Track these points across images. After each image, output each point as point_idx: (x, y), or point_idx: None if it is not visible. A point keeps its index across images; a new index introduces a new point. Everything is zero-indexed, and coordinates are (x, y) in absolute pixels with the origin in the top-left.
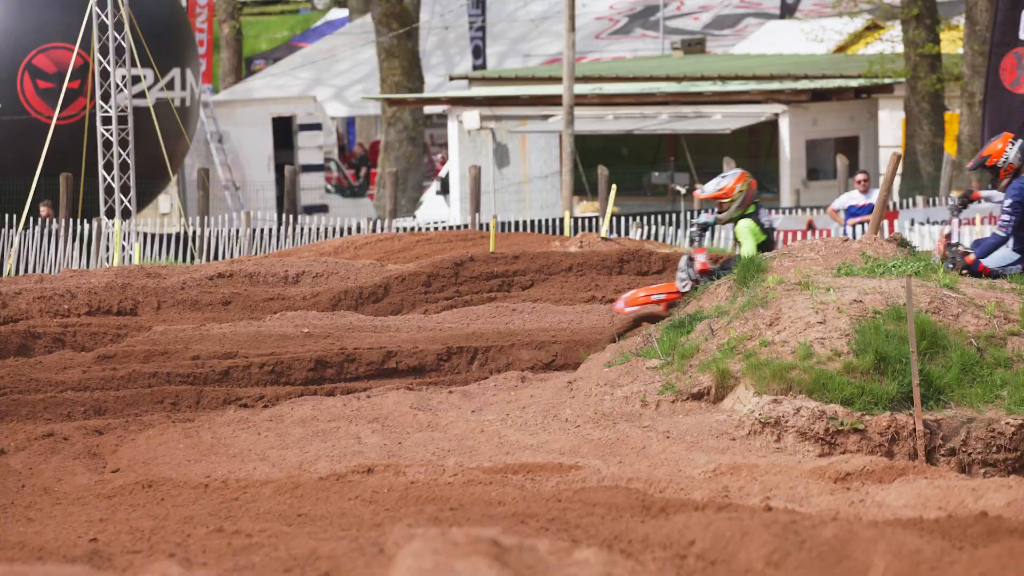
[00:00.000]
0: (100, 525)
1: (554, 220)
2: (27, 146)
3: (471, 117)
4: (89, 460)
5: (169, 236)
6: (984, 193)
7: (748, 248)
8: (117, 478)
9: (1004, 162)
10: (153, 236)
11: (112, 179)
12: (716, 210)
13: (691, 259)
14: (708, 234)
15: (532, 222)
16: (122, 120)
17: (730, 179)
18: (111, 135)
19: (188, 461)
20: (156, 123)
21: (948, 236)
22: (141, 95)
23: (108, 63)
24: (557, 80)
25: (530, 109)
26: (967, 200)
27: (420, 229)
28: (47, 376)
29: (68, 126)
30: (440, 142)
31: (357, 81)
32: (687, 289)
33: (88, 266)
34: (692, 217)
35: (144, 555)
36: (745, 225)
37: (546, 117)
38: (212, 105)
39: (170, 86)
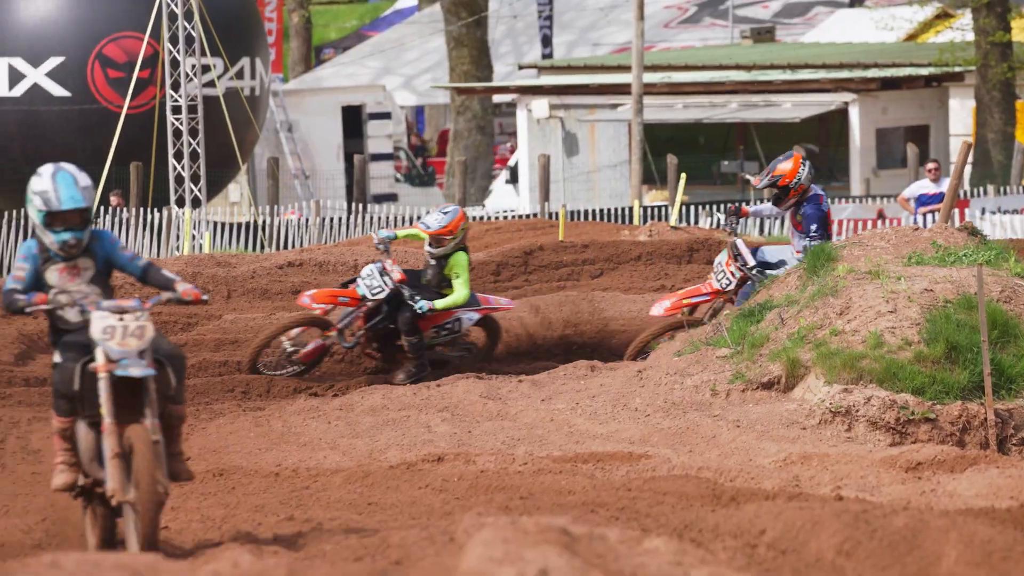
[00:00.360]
0: (171, 513)
1: (623, 209)
2: (97, 135)
3: (540, 106)
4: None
5: (239, 225)
6: (752, 208)
7: (461, 283)
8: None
9: (796, 183)
10: (223, 225)
11: (182, 168)
12: (437, 244)
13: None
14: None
15: (601, 211)
16: (192, 109)
17: (451, 216)
18: (181, 124)
19: (259, 450)
20: (226, 112)
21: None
22: (211, 84)
23: (178, 52)
24: (626, 69)
25: (599, 98)
26: (737, 216)
27: (489, 218)
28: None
29: (138, 115)
30: (509, 131)
31: (426, 70)
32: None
33: (158, 255)
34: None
35: (215, 543)
36: (462, 260)
37: (615, 106)
38: (282, 94)
39: (240, 75)
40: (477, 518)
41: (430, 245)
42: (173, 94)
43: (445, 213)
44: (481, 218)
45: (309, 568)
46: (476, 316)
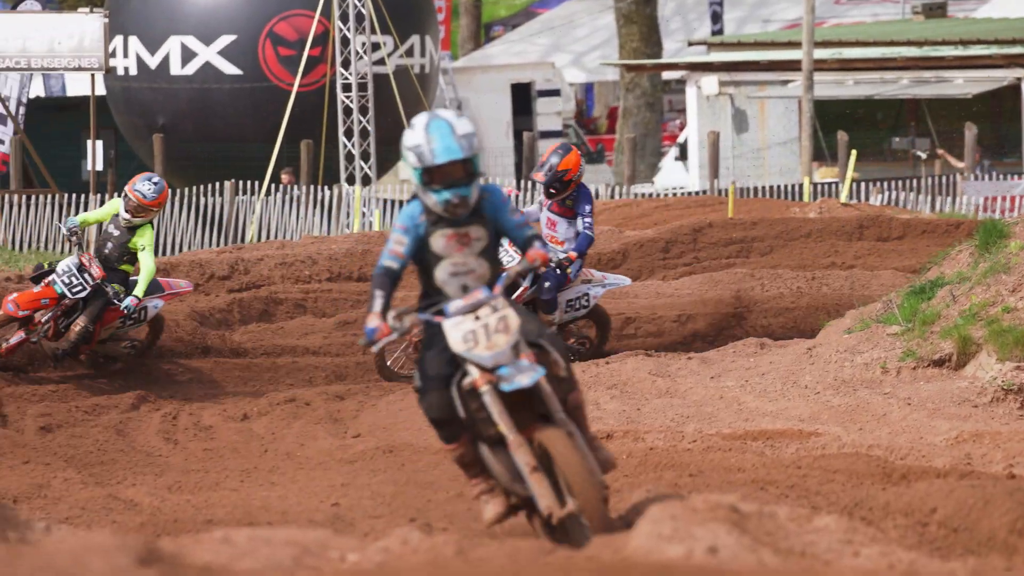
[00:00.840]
0: (342, 490)
1: (793, 186)
2: (268, 113)
3: (710, 83)
4: (331, 425)
5: (409, 201)
6: (528, 209)
7: (149, 255)
8: (358, 443)
9: (579, 175)
10: (393, 202)
11: (352, 146)
12: None
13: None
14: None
15: (771, 188)
16: (362, 87)
17: (162, 186)
18: (351, 102)
19: (428, 427)
20: (396, 90)
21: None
22: (381, 62)
23: (348, 30)
24: (796, 45)
25: (769, 74)
26: None
27: (658, 195)
28: (289, 342)
29: (309, 93)
30: (678, 108)
31: (595, 47)
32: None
33: (328, 232)
34: (931, 182)
35: (385, 520)
36: (151, 232)
37: (785, 82)
38: (451, 72)
39: (409, 53)
40: (646, 495)
41: (132, 213)
42: (343, 72)
43: (155, 182)
44: (650, 195)
45: (478, 545)
46: (161, 303)
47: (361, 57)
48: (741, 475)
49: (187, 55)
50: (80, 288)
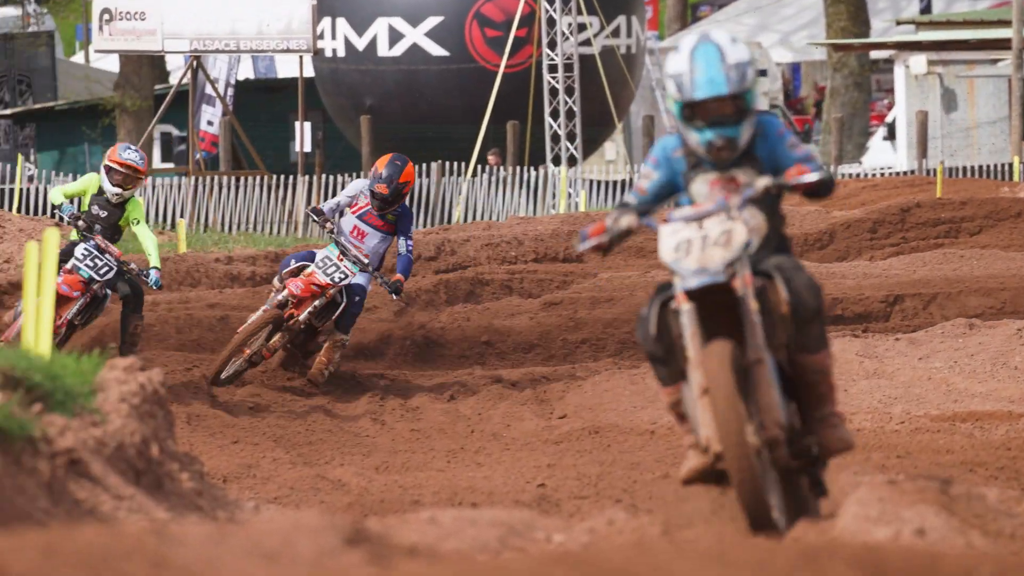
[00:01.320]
0: (548, 471)
1: (1003, 165)
2: (474, 94)
3: (918, 62)
4: (536, 406)
5: (614, 183)
6: (330, 202)
7: (148, 228)
8: (564, 424)
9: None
10: (599, 183)
11: (558, 127)
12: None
13: None
14: None
15: (980, 168)
16: (568, 68)
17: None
18: (557, 83)
19: (634, 407)
20: (602, 71)
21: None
22: (587, 43)
23: (555, 11)
24: (1006, 24)
25: (978, 53)
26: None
27: (866, 175)
28: (495, 322)
29: (515, 74)
30: (886, 87)
31: (803, 26)
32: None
33: (534, 213)
34: None
35: (591, 501)
36: (141, 203)
37: (995, 61)
38: (658, 52)
39: (616, 33)
40: (853, 477)
41: (122, 186)
42: (550, 53)
43: (137, 149)
44: (857, 175)
45: (684, 526)
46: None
47: (567, 38)
48: (949, 457)
49: (394, 36)
50: (107, 269)
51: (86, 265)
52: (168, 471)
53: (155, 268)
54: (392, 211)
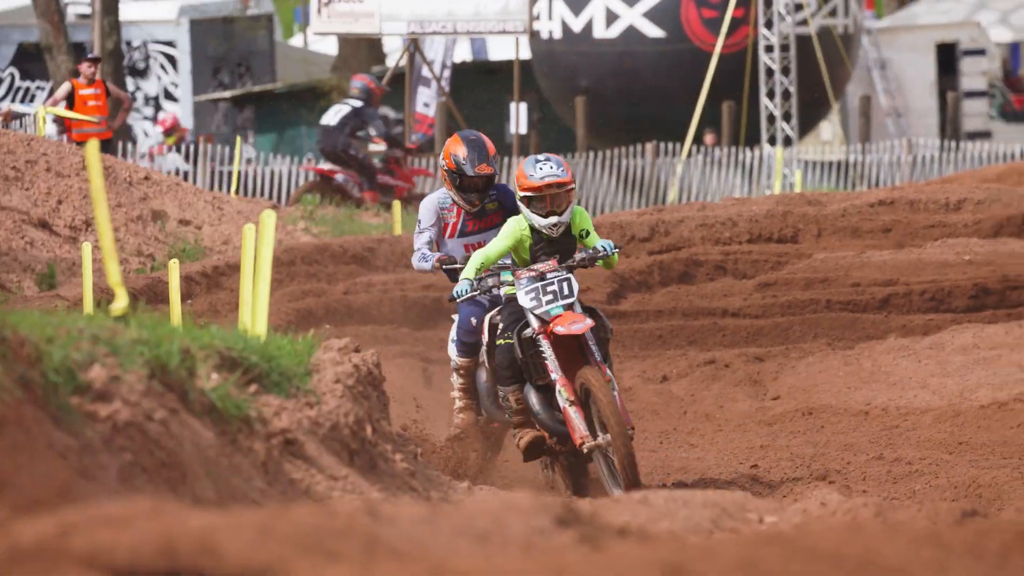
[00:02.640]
0: (760, 451)
1: None
2: (690, 75)
3: None
4: (750, 387)
5: (830, 163)
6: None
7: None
8: (777, 405)
9: None
10: (814, 163)
11: (774, 107)
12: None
13: None
14: None
15: None
16: (784, 48)
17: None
18: (773, 63)
19: (847, 388)
20: (818, 51)
21: None
22: (804, 23)
23: None
24: None
25: None
26: None
27: None
28: (709, 303)
29: (731, 55)
30: None
31: (1023, 5)
32: None
33: (750, 194)
34: None
35: (804, 482)
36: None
37: None
38: (875, 32)
39: (833, 13)
40: None
41: (552, 212)
42: (766, 33)
43: (549, 157)
44: None
45: (898, 508)
46: None
47: (784, 18)
48: None
49: (611, 17)
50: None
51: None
52: (382, 452)
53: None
54: (490, 196)
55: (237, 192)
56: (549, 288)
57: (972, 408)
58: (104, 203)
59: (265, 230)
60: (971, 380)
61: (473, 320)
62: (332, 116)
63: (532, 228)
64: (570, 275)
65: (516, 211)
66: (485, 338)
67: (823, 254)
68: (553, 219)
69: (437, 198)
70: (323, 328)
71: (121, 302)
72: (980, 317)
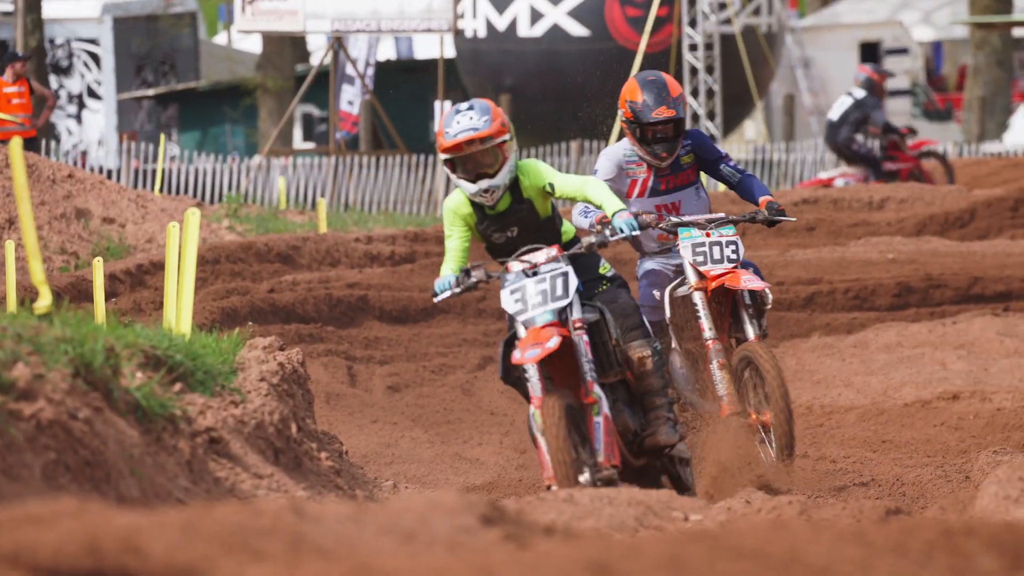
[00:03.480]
0: None
1: None
2: (614, 74)
3: None
4: None
5: (755, 162)
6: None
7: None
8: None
9: None
10: (738, 162)
11: (698, 106)
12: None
13: None
14: None
15: None
16: (708, 47)
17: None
18: (698, 62)
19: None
20: (742, 49)
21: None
22: (727, 22)
23: None
24: None
25: None
26: None
27: (1008, 154)
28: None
29: (655, 54)
30: None
31: (945, 4)
32: None
33: None
34: None
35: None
36: None
37: None
38: (799, 31)
39: (756, 12)
40: (993, 456)
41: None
42: (690, 32)
43: (468, 108)
44: (999, 154)
45: (821, 506)
46: None
47: (707, 17)
48: None
49: (535, 16)
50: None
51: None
52: (307, 450)
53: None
54: (683, 146)
55: (161, 190)
56: (538, 287)
57: (896, 406)
58: (28, 201)
59: (190, 228)
60: (895, 378)
61: (656, 294)
62: (835, 110)
63: (472, 201)
64: (568, 268)
65: (716, 164)
66: (667, 313)
67: (747, 253)
68: (484, 183)
69: (622, 149)
70: (248, 326)
71: (45, 300)
72: (903, 315)
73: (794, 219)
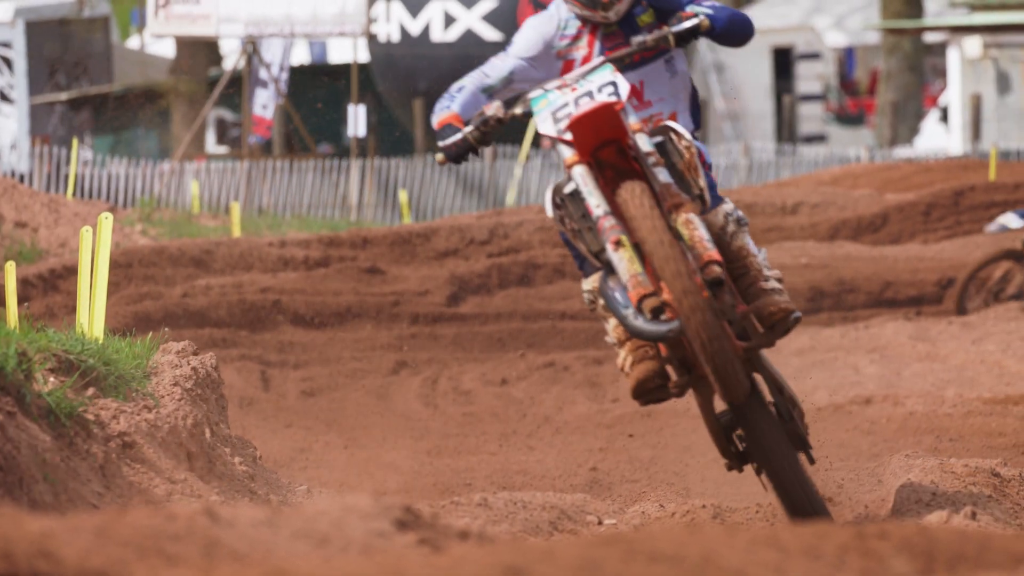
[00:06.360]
0: (600, 454)
1: None
2: None
3: (972, 45)
4: (589, 389)
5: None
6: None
7: None
8: (616, 407)
9: None
10: None
11: None
12: None
13: None
14: None
15: None
16: None
17: None
18: None
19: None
20: None
21: None
22: None
23: None
24: None
25: None
26: None
27: (920, 158)
28: (547, 306)
29: None
30: (941, 70)
31: (857, 9)
32: None
33: None
34: None
35: (643, 484)
36: None
37: None
38: None
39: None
40: (905, 460)
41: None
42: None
43: None
44: (911, 159)
45: (735, 510)
46: None
47: None
48: (1002, 439)
49: (449, 20)
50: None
51: None
52: (221, 455)
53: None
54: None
55: (74, 195)
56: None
57: (809, 410)
58: None
59: (103, 232)
60: (808, 382)
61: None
62: None
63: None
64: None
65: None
66: (549, 212)
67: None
68: None
69: (556, 19)
70: (161, 331)
71: None
72: (816, 320)
73: (698, 17)
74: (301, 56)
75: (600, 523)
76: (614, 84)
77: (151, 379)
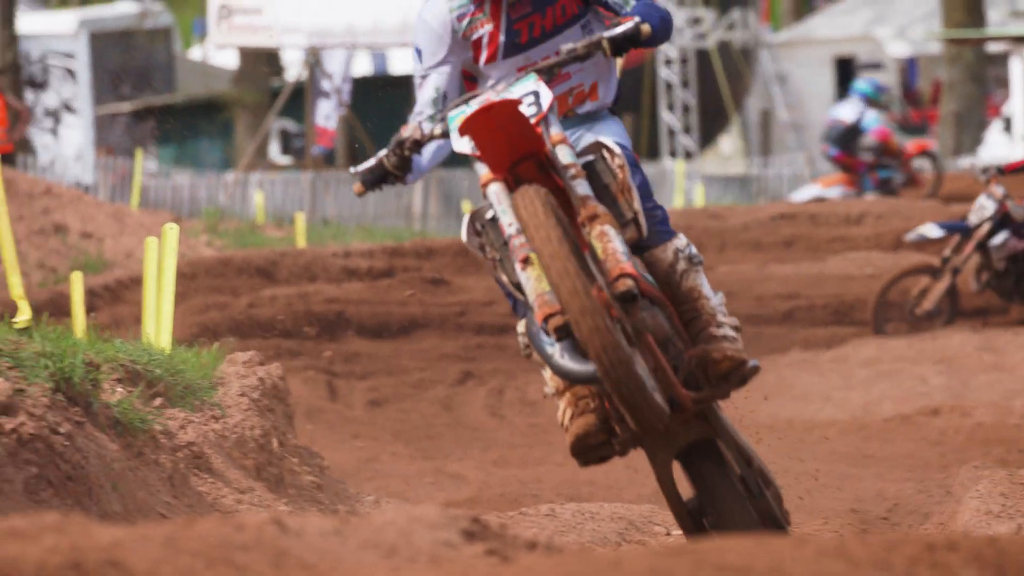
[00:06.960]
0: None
1: None
2: None
3: None
4: None
5: (731, 177)
6: None
7: None
8: None
9: None
10: (715, 177)
11: (674, 121)
12: None
13: None
14: None
15: None
16: (683, 62)
17: None
18: (673, 77)
19: (752, 402)
20: (717, 64)
21: None
22: (702, 36)
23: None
24: None
25: None
26: None
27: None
28: None
29: (630, 70)
30: (1003, 81)
31: (919, 19)
32: None
33: None
34: None
35: None
36: None
37: None
38: (774, 46)
39: (731, 27)
40: (974, 471)
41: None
42: (665, 47)
43: None
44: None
45: (805, 522)
46: None
47: (682, 32)
48: None
49: None
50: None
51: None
52: (288, 465)
53: None
54: None
55: (139, 205)
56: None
57: (876, 421)
58: (5, 216)
59: (168, 243)
60: (874, 393)
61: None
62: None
63: None
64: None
65: None
66: (464, 238)
67: (725, 268)
68: None
69: (444, 3)
70: (228, 341)
71: (24, 315)
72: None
73: (635, 22)
74: (363, 67)
75: (668, 534)
76: (535, 94)
77: (218, 389)
